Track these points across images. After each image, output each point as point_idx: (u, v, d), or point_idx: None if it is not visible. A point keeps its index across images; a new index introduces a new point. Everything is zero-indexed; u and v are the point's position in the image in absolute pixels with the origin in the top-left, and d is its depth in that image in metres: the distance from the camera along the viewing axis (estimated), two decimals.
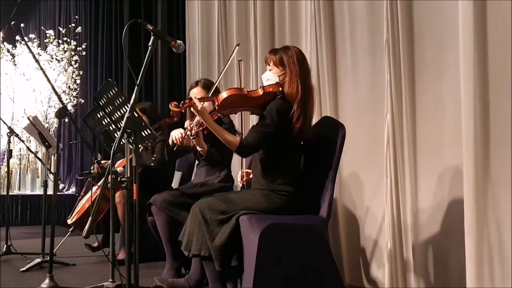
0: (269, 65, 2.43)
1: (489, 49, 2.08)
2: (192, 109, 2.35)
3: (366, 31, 2.96)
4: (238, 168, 2.76)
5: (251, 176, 2.58)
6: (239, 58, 2.68)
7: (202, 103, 2.35)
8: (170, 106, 2.36)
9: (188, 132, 2.54)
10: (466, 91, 2.10)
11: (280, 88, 2.36)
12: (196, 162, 3.17)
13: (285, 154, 2.37)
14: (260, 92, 2.35)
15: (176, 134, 2.67)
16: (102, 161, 3.44)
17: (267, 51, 2.50)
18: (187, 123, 2.65)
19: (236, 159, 3.22)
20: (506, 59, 2.04)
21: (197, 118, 2.66)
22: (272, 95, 2.36)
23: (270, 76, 2.41)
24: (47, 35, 7.13)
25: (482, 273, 2.05)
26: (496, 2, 2.08)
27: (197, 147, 2.71)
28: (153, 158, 3.41)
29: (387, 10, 2.67)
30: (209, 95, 2.71)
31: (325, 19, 3.19)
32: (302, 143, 2.46)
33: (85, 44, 7.14)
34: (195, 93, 3.00)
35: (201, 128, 2.54)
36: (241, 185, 2.61)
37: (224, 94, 2.34)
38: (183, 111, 2.43)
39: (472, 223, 2.06)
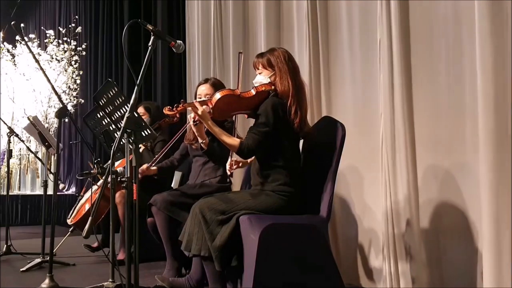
0: (258, 69, 2.46)
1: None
2: (192, 112, 2.38)
3: (362, 31, 2.96)
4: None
5: (240, 164, 2.59)
6: (240, 51, 2.67)
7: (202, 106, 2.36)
8: (164, 110, 2.39)
9: (191, 122, 2.53)
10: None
11: (273, 87, 2.38)
12: (193, 160, 3.16)
13: (284, 153, 2.37)
14: (253, 92, 2.37)
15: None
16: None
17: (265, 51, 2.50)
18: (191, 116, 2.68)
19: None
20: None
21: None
22: (265, 94, 2.38)
23: (261, 79, 2.42)
24: (47, 35, 7.14)
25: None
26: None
27: (199, 139, 2.70)
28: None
29: (381, 9, 2.67)
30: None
31: (321, 19, 3.19)
32: (302, 139, 2.47)
33: (85, 44, 7.14)
34: (203, 90, 2.99)
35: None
36: (229, 173, 2.61)
37: (217, 96, 2.35)
38: (177, 115, 2.48)
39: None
